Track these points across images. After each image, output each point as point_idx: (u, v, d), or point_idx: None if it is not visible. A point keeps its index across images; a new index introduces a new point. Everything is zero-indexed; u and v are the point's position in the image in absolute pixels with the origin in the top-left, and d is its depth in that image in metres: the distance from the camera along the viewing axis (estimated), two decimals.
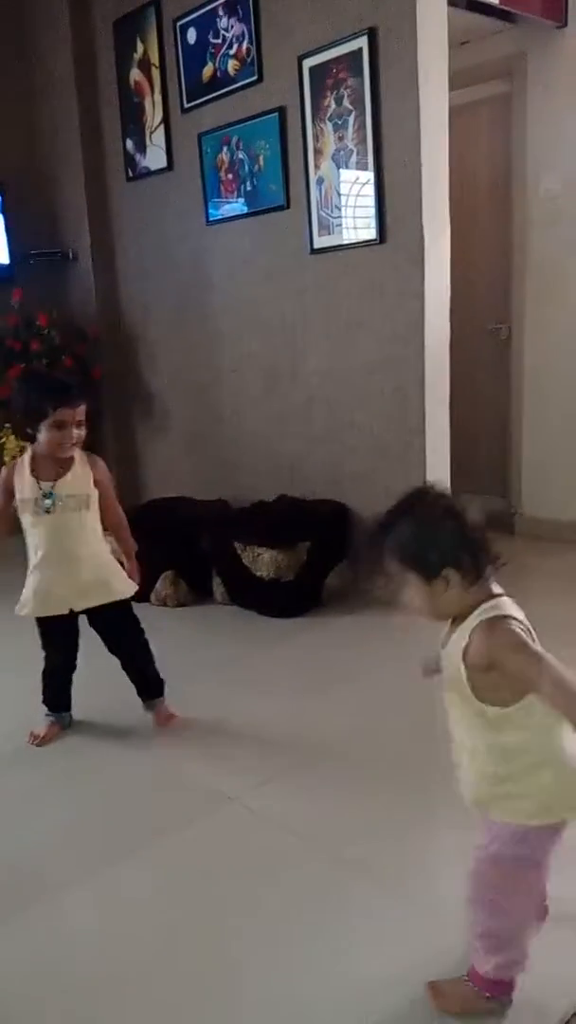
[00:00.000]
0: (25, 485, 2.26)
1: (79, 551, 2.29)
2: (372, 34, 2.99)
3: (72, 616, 2.35)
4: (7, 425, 4.16)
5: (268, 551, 3.28)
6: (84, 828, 2.01)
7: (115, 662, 2.43)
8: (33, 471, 2.26)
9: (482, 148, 4.24)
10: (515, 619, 1.26)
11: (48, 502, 2.24)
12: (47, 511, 2.24)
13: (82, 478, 2.29)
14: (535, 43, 3.83)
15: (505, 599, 1.29)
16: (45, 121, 4.46)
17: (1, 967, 1.56)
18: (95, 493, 2.31)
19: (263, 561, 3.29)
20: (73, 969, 1.55)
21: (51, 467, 2.27)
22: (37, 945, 1.62)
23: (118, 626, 2.40)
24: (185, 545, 3.54)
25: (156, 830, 1.96)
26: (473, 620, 1.26)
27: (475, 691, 1.26)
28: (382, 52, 2.99)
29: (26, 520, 2.29)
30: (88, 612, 2.35)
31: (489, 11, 3.56)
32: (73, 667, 2.44)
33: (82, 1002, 1.47)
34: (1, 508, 2.29)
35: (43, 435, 2.22)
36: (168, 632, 3.18)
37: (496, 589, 1.29)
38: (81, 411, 2.23)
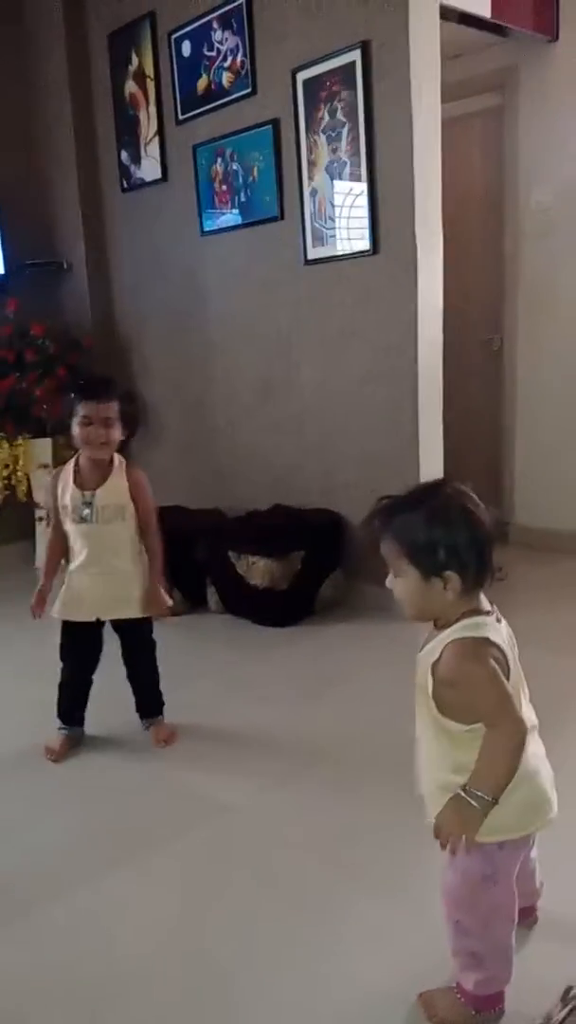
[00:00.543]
0: (67, 492, 2.29)
1: (113, 561, 2.31)
2: (365, 47, 3.02)
3: (98, 626, 2.36)
4: (1, 434, 4.18)
5: (262, 560, 3.28)
6: (84, 836, 2.00)
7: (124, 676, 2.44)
8: (76, 478, 2.30)
9: (474, 160, 4.27)
10: (495, 646, 1.22)
11: (87, 511, 2.26)
12: (85, 519, 2.27)
13: (119, 488, 2.31)
14: (527, 56, 3.87)
15: (490, 620, 1.25)
16: (40, 133, 4.48)
17: (6, 968, 1.57)
18: (131, 505, 2.33)
19: (257, 570, 3.29)
20: (75, 972, 1.55)
21: (92, 475, 2.30)
22: (39, 948, 1.62)
23: (133, 641, 2.44)
24: (179, 554, 3.53)
25: (154, 838, 1.96)
26: (453, 634, 1.22)
27: (439, 705, 1.24)
28: (375, 65, 3.02)
29: (68, 526, 2.32)
30: (113, 622, 2.38)
31: (481, 25, 3.59)
32: (90, 681, 2.41)
33: (84, 1004, 1.47)
34: (55, 517, 2.34)
35: (75, 435, 2.26)
36: (163, 641, 3.15)
37: (485, 604, 1.26)
38: (107, 408, 2.24)
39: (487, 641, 1.22)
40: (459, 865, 1.29)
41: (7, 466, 4.13)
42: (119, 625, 2.39)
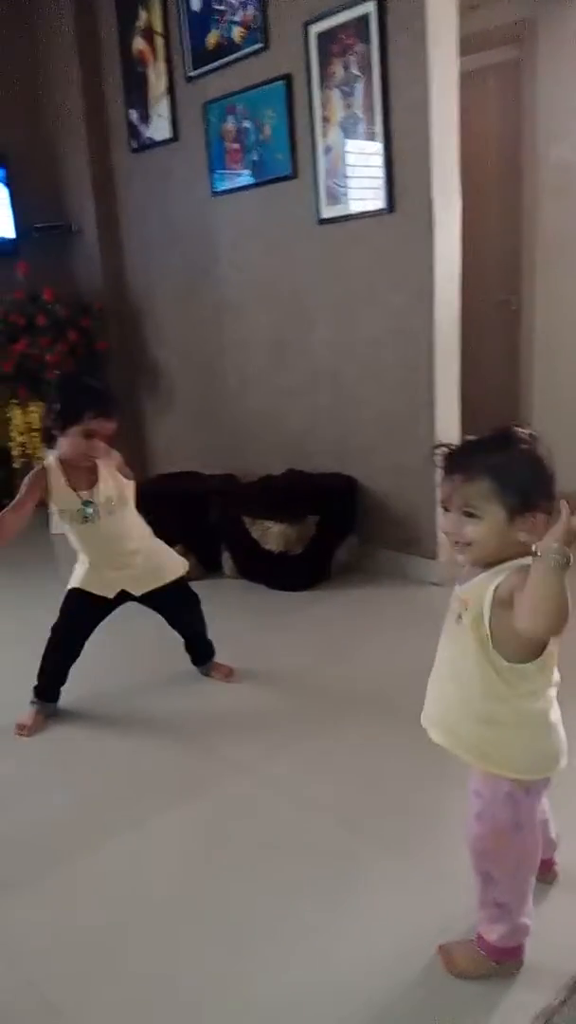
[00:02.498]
0: (63, 496, 2.24)
1: (129, 546, 2.33)
2: None
3: (116, 602, 2.35)
4: (13, 400, 4.17)
5: (276, 525, 3.28)
6: (99, 798, 2.02)
7: (95, 652, 2.39)
8: (68, 481, 2.24)
9: (491, 116, 4.18)
10: None
11: (90, 511, 2.25)
12: (89, 519, 2.25)
13: (111, 477, 2.29)
14: (545, 9, 3.77)
15: None
16: (47, 94, 4.41)
17: (19, 929, 1.59)
18: (129, 485, 2.33)
19: (272, 535, 3.29)
20: (83, 935, 1.57)
21: (82, 475, 2.25)
22: (51, 910, 1.64)
23: (178, 603, 2.47)
24: (193, 519, 3.54)
25: (169, 799, 1.98)
26: (518, 563, 1.22)
27: (495, 634, 1.24)
28: (390, 17, 2.94)
29: (72, 529, 2.30)
30: (144, 594, 2.38)
31: None
32: (77, 655, 2.37)
33: (90, 966, 1.49)
34: (23, 504, 2.21)
35: (67, 440, 2.19)
36: None
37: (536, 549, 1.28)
38: (111, 427, 2.22)
39: None
40: (485, 814, 1.32)
41: (21, 433, 4.13)
42: (155, 596, 2.38)
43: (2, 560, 3.80)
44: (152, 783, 2.06)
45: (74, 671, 2.39)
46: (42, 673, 2.38)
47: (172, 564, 2.44)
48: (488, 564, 1.26)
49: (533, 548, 1.15)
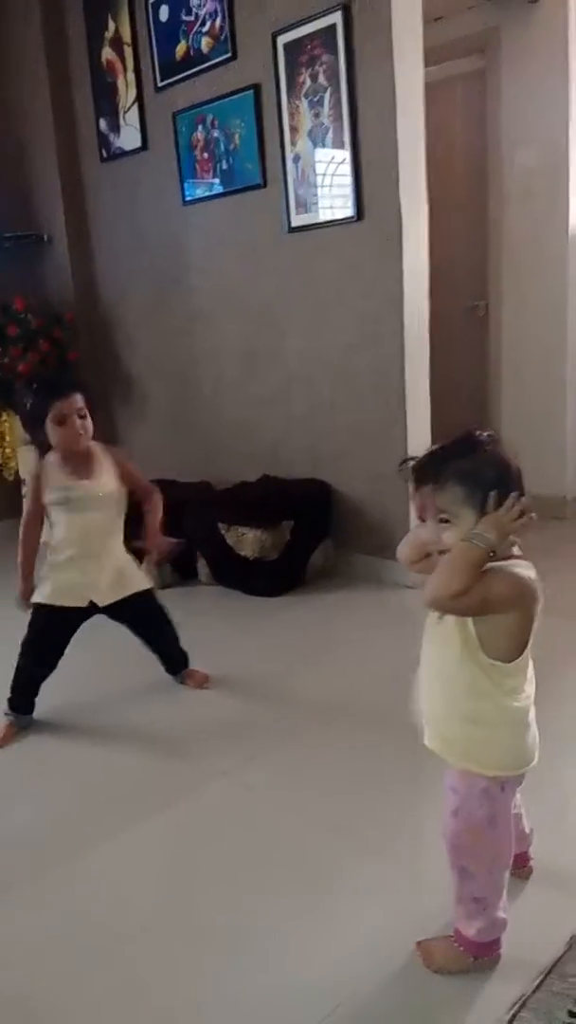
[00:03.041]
0: (55, 484, 2.28)
1: (104, 548, 2.33)
2: (346, 9, 2.98)
3: (84, 614, 2.34)
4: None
5: (251, 531, 3.29)
6: (76, 805, 2.02)
7: (69, 662, 2.39)
8: (64, 470, 2.28)
9: (457, 124, 4.24)
10: (535, 587, 1.26)
11: (76, 499, 2.26)
12: (77, 509, 2.27)
13: (108, 475, 2.32)
14: (508, 18, 3.83)
15: (526, 562, 1.29)
16: (16, 103, 4.40)
17: (14, 932, 1.59)
18: (123, 490, 2.36)
19: (246, 541, 3.30)
20: (76, 936, 1.58)
21: (79, 466, 2.29)
22: (45, 914, 1.64)
23: (146, 615, 2.46)
24: (169, 527, 3.53)
25: (150, 807, 1.98)
26: (500, 566, 1.24)
27: (479, 635, 1.27)
28: (357, 27, 2.98)
29: (55, 517, 2.31)
30: (111, 606, 2.36)
31: None
32: (53, 668, 2.36)
33: (83, 965, 1.49)
34: (34, 503, 2.30)
35: (53, 435, 2.24)
36: None
37: (517, 551, 1.30)
38: (77, 400, 2.24)
39: (532, 581, 1.26)
40: (462, 810, 1.34)
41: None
42: (123, 608, 2.37)
43: None
44: (129, 792, 2.06)
45: (50, 681, 2.38)
46: (15, 688, 2.37)
47: (138, 576, 2.43)
48: None
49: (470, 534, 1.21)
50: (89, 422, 2.27)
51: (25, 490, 2.39)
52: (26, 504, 2.34)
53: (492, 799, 1.33)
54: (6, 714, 2.37)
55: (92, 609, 2.34)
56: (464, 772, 1.34)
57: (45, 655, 2.35)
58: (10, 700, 2.37)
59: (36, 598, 2.31)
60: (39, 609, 2.32)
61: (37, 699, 2.39)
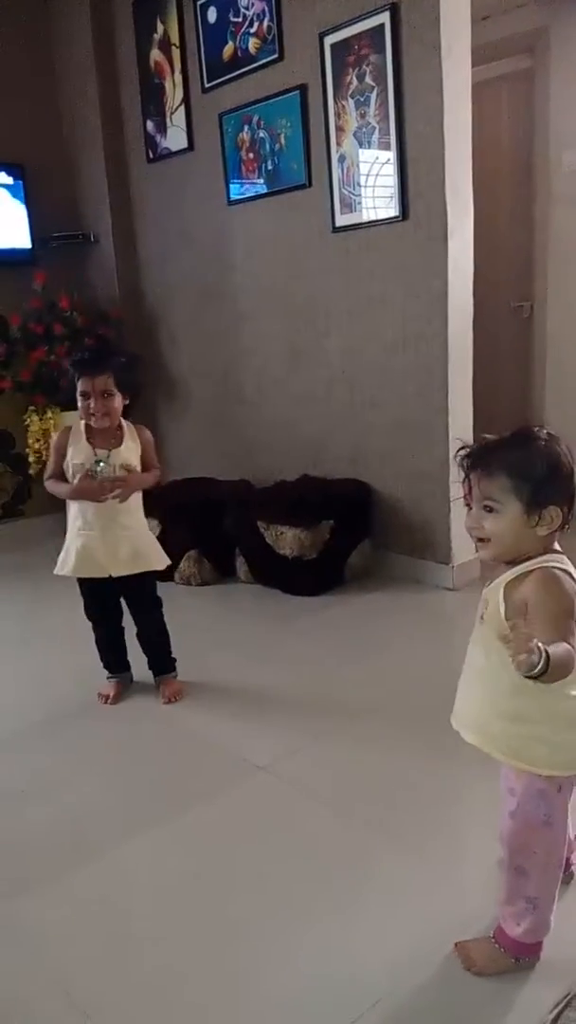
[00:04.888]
0: (79, 450, 2.33)
1: (123, 520, 2.37)
2: (394, 9, 2.97)
3: (112, 581, 2.40)
4: (31, 408, 4.22)
5: (291, 530, 3.30)
6: (118, 796, 2.05)
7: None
8: (89, 439, 2.34)
9: (504, 124, 4.21)
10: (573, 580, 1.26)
11: (100, 467, 2.31)
12: (96, 476, 2.31)
13: (133, 451, 2.38)
14: (557, 18, 3.80)
15: (565, 557, 1.28)
16: (65, 104, 4.47)
17: (55, 919, 1.61)
18: (140, 466, 2.40)
19: (286, 540, 3.31)
20: (113, 926, 1.59)
21: (105, 437, 2.35)
22: (83, 903, 1.66)
23: (139, 598, 2.49)
24: (208, 525, 3.57)
25: (187, 799, 2.00)
26: (535, 563, 1.25)
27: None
28: (404, 27, 2.97)
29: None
30: (124, 579, 2.41)
31: None
32: (119, 630, 2.52)
33: (120, 955, 1.51)
34: (56, 470, 2.38)
35: (80, 409, 2.31)
36: (192, 610, 3.24)
37: (557, 546, 1.30)
38: (103, 381, 2.27)
39: (569, 575, 1.25)
40: (519, 812, 1.34)
41: (38, 440, 4.17)
42: (127, 583, 2.42)
43: (12, 565, 3.86)
44: (168, 784, 2.08)
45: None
46: (99, 651, 2.55)
47: (157, 555, 2.46)
48: (509, 561, 1.29)
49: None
50: (114, 402, 2.30)
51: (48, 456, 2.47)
52: (48, 467, 2.42)
53: (548, 800, 1.32)
54: (108, 677, 2.55)
55: (112, 580, 2.41)
56: (521, 773, 1.33)
57: (97, 618, 2.52)
58: (103, 664, 2.56)
59: (60, 570, 2.41)
60: (77, 580, 2.45)
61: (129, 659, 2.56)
